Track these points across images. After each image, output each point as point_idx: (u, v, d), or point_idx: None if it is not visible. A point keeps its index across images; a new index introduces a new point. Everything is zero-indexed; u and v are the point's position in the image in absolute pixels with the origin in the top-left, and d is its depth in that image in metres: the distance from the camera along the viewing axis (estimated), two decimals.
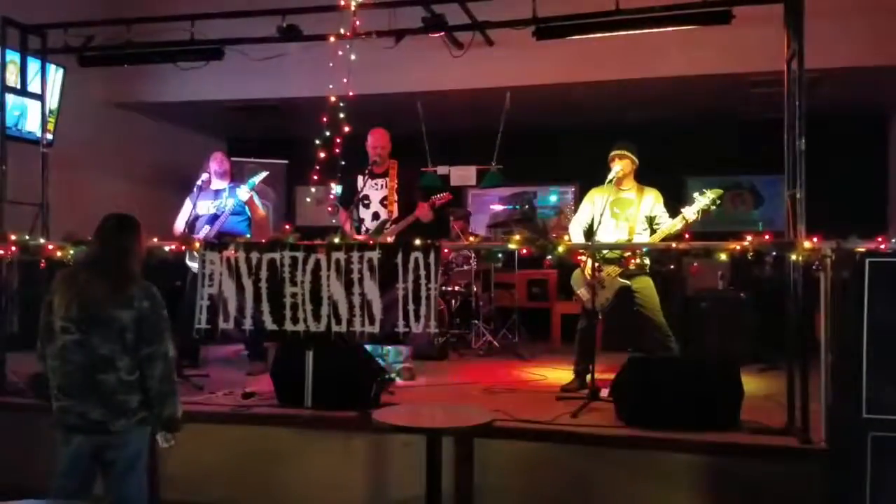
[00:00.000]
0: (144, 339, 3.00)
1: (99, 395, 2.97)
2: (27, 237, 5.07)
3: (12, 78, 5.51)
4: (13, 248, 4.97)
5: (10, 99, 5.49)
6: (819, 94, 4.53)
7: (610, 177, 5.06)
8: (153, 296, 3.08)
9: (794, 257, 3.86)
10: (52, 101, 6.39)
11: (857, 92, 7.05)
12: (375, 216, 5.61)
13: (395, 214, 5.57)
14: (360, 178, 5.57)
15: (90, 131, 7.45)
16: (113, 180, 7.89)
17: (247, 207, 5.74)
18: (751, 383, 4.37)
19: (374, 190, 5.63)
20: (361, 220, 5.63)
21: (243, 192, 5.61)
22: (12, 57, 5.47)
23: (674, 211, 4.96)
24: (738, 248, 4.03)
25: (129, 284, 3.05)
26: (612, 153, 5.11)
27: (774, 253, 4.00)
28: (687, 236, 4.59)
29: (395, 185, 5.59)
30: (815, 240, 3.78)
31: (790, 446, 3.79)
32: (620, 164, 5.05)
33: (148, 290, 3.08)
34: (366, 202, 5.63)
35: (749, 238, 4.02)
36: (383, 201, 5.61)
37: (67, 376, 3.01)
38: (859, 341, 3.18)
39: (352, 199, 5.59)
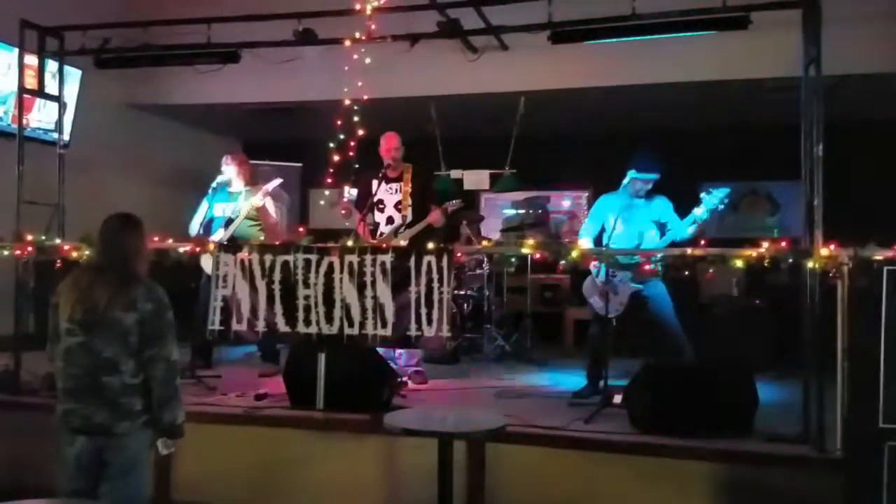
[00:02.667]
0: (147, 341, 2.96)
1: (103, 398, 2.95)
2: (43, 237, 5.11)
3: (30, 80, 5.57)
4: (29, 248, 5.01)
5: None
6: (837, 99, 4.51)
7: (624, 182, 5.05)
8: (157, 298, 3.01)
9: (810, 265, 3.83)
10: (70, 102, 6.43)
11: (876, 98, 6.99)
12: (390, 220, 5.61)
13: (409, 218, 5.57)
14: (374, 182, 5.58)
15: (106, 133, 7.50)
16: (129, 181, 7.94)
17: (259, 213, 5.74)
18: (766, 391, 4.33)
19: (389, 194, 5.64)
20: (376, 224, 5.64)
21: (257, 199, 5.62)
22: (30, 59, 5.53)
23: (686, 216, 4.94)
24: (754, 254, 4.00)
25: (132, 286, 2.99)
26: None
27: (791, 260, 3.97)
28: (703, 242, 4.57)
29: (410, 190, 5.60)
30: (832, 247, 3.75)
31: (805, 455, 3.76)
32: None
33: (152, 292, 3.02)
34: (380, 206, 5.64)
35: (765, 245, 3.99)
36: (398, 205, 5.61)
37: (72, 379, 2.99)
38: (876, 350, 3.16)
39: (366, 202, 5.59)
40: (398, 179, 5.64)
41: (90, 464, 3.02)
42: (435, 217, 5.45)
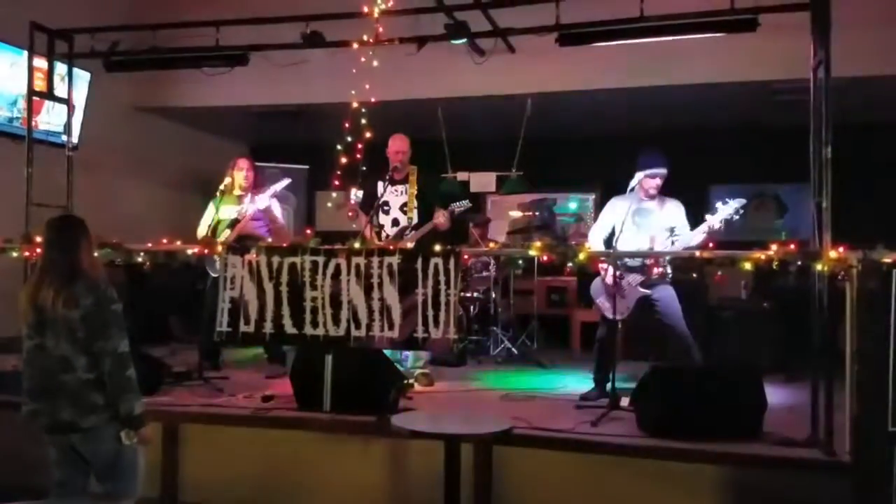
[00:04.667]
0: (93, 336, 3.01)
1: (65, 396, 3.02)
2: None
3: (39, 82, 5.60)
4: (38, 250, 5.02)
5: None
6: (846, 101, 4.49)
7: (632, 184, 5.04)
8: (98, 292, 3.05)
9: (819, 267, 3.81)
10: (78, 105, 6.47)
11: (885, 100, 6.97)
12: (395, 222, 5.62)
13: (415, 220, 5.57)
14: (380, 184, 5.59)
15: (115, 135, 7.54)
16: (136, 184, 7.99)
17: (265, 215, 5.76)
18: (774, 394, 4.31)
19: (395, 196, 5.64)
20: (381, 227, 5.63)
21: (262, 201, 5.63)
22: (39, 61, 5.56)
23: (696, 220, 4.92)
24: (762, 257, 3.98)
25: (74, 283, 3.04)
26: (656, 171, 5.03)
27: (799, 263, 3.95)
28: (711, 245, 4.55)
29: (415, 192, 5.60)
30: (840, 250, 3.73)
31: (814, 458, 3.73)
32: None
33: (93, 288, 3.06)
34: (385, 208, 5.64)
35: (773, 247, 3.98)
36: (403, 207, 5.61)
37: (33, 380, 3.09)
38: (885, 353, 3.15)
39: (372, 204, 5.60)
40: (404, 181, 5.64)
41: (74, 460, 3.11)
42: (440, 220, 5.44)
